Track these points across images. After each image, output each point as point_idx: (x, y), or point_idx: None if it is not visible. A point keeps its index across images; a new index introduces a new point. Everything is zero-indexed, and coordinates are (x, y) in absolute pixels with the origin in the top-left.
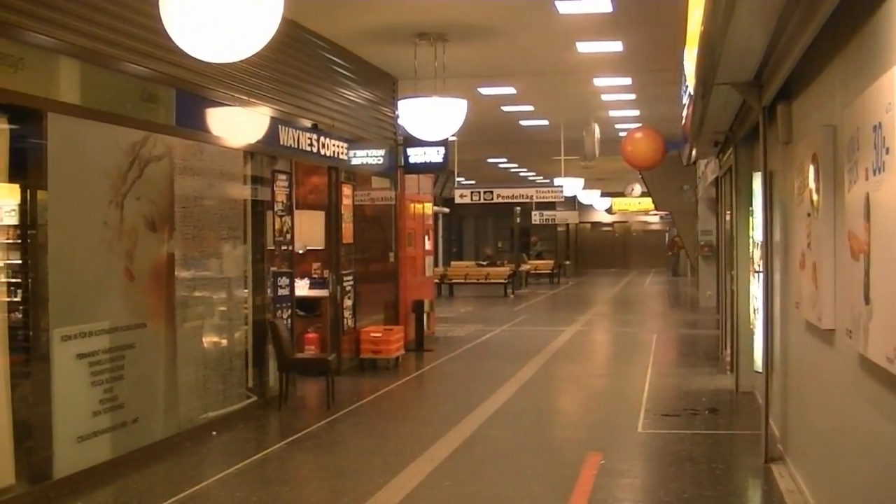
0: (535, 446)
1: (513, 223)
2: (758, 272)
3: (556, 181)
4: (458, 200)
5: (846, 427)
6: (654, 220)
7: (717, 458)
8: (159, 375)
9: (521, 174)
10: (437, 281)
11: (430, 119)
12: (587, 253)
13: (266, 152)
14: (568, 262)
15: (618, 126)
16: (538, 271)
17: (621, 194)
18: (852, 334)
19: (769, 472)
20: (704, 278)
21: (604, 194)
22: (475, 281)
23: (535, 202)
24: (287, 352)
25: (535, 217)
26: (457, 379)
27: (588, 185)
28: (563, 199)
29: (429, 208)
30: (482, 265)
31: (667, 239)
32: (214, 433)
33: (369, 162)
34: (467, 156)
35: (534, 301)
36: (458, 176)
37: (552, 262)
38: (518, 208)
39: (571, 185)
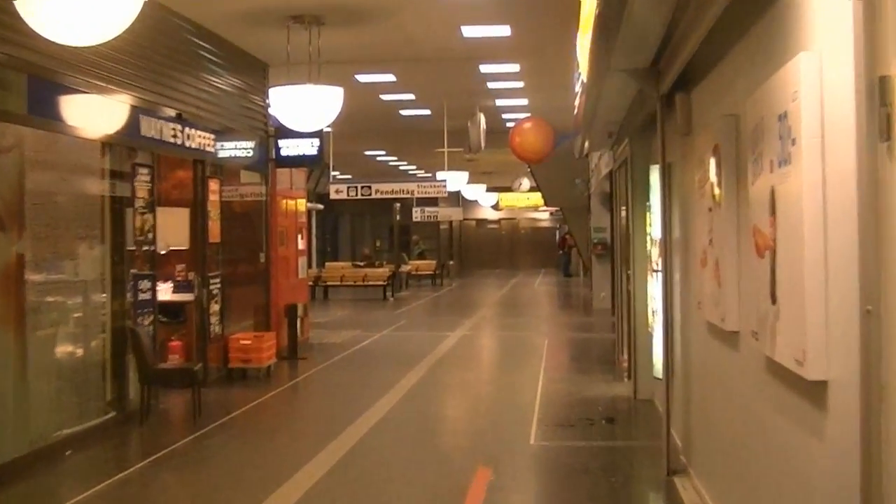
0: (421, 459)
1: (392, 221)
2: (656, 271)
3: (439, 175)
4: (333, 196)
5: (752, 434)
6: (543, 216)
7: (615, 470)
8: (7, 389)
9: (402, 168)
10: (311, 283)
11: (304, 109)
12: (472, 252)
13: (126, 144)
14: (452, 263)
15: (505, 116)
16: (420, 272)
17: (509, 189)
18: (758, 336)
19: (672, 484)
20: (598, 279)
21: (490, 189)
22: (352, 283)
23: (417, 198)
24: (149, 361)
25: (417, 214)
26: (335, 388)
27: (473, 180)
28: (446, 195)
29: (302, 205)
30: (359, 266)
31: (557, 237)
32: (69, 452)
33: (238, 155)
34: (343, 148)
35: (415, 304)
36: (334, 170)
37: (435, 262)
38: (398, 205)
39: (455, 180)
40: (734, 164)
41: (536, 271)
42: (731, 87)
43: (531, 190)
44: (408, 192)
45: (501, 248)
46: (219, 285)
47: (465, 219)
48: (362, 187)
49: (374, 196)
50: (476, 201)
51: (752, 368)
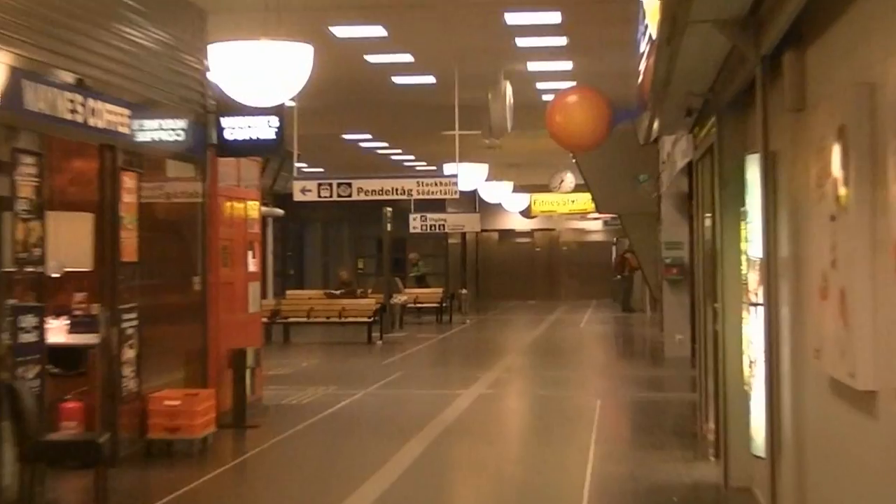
0: None
1: (381, 232)
2: (755, 305)
3: (448, 169)
4: (298, 197)
5: None
6: (594, 227)
7: None
8: None
9: (395, 159)
10: (266, 320)
11: (258, 74)
12: (494, 277)
13: (3, 121)
14: (465, 292)
15: (541, 86)
16: (420, 304)
17: (545, 189)
18: None
19: None
20: (672, 315)
21: (519, 189)
22: (324, 319)
23: (416, 201)
24: (32, 430)
25: (415, 223)
26: (298, 470)
27: (495, 175)
28: (457, 196)
29: (255, 209)
30: (334, 296)
31: (614, 255)
32: None
33: (164, 138)
34: (313, 130)
35: (414, 350)
36: (300, 161)
37: (441, 290)
38: (389, 210)
39: (470, 175)
40: (868, 154)
41: (584, 303)
42: (864, 43)
43: (577, 190)
44: (403, 192)
45: (535, 271)
46: (135, 323)
47: (483, 230)
48: (339, 185)
49: (355, 198)
50: (499, 205)
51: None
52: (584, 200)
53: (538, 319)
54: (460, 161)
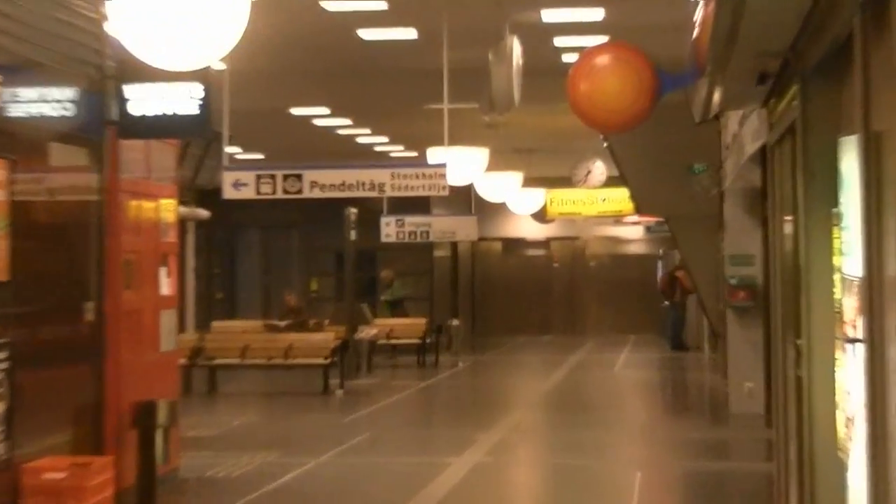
0: None
1: (342, 242)
2: (852, 342)
3: (433, 155)
4: (229, 194)
5: None
6: (632, 234)
7: None
8: None
9: (361, 141)
10: (185, 361)
11: (172, 27)
12: (496, 303)
13: None
14: (456, 323)
15: (560, 42)
16: (395, 340)
17: (567, 183)
18: None
19: None
20: (739, 354)
21: (530, 183)
22: (265, 361)
23: (390, 199)
24: None
25: (389, 229)
26: None
27: (498, 165)
28: (446, 193)
29: (171, 210)
30: (278, 329)
31: (660, 273)
32: None
33: (45, 113)
34: (251, 103)
35: (387, 402)
36: (232, 144)
37: (423, 321)
38: (353, 211)
39: (464, 165)
40: None
41: (619, 339)
42: None
43: (609, 184)
44: (373, 187)
45: (552, 296)
46: (4, 365)
47: (482, 239)
48: (286, 177)
49: (307, 195)
50: (504, 206)
51: None
52: (620, 199)
53: (556, 361)
54: (450, 145)
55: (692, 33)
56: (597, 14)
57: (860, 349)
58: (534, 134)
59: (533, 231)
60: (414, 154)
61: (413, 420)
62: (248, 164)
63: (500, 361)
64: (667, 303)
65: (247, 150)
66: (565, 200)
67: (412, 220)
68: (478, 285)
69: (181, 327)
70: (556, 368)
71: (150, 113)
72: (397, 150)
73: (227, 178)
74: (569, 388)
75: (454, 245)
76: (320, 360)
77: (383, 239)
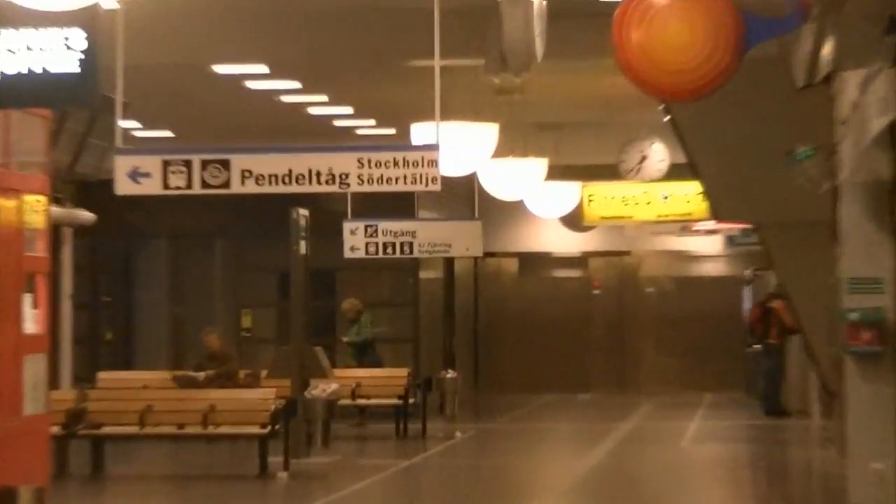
0: None
1: (288, 260)
2: None
3: (418, 134)
4: (125, 189)
5: None
6: (707, 247)
7: None
8: None
9: (316, 113)
10: (59, 429)
11: None
12: (510, 347)
13: None
14: (452, 375)
15: None
16: (364, 400)
17: (612, 174)
18: None
19: None
20: (864, 422)
21: (560, 174)
22: (175, 429)
23: (357, 196)
24: None
25: (356, 240)
26: None
27: (513, 147)
28: (437, 188)
29: (39, 210)
30: (195, 382)
31: (747, 303)
32: None
33: None
34: (156, 58)
35: (351, 491)
36: (127, 117)
37: (405, 372)
38: (303, 214)
39: (463, 147)
40: None
41: (688, 399)
42: None
43: (672, 176)
44: (332, 180)
45: (591, 335)
46: None
47: (490, 254)
48: (206, 164)
49: (237, 189)
50: (521, 206)
51: None
52: (688, 197)
53: (598, 432)
54: (444, 119)
55: None
56: None
57: None
58: (564, 104)
59: (563, 243)
60: (391, 132)
61: None
62: (151, 145)
63: (516, 432)
64: (758, 346)
65: (150, 125)
66: (610, 199)
67: (389, 227)
68: (483, 321)
69: (54, 381)
70: (598, 443)
71: (9, 71)
72: (367, 127)
73: (122, 164)
74: (615, 473)
75: (449, 263)
76: (255, 430)
77: (347, 254)
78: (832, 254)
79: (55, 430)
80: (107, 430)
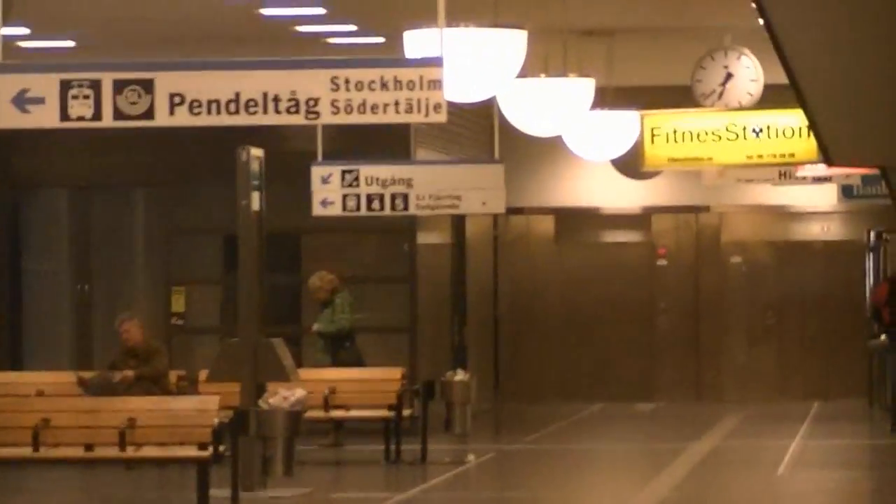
0: None
1: (235, 218)
2: None
3: (413, 41)
4: (7, 122)
5: None
6: (815, 200)
7: None
8: None
9: (271, 14)
10: None
11: None
12: (544, 337)
13: None
14: (462, 377)
15: None
16: (342, 412)
17: (683, 98)
18: None
19: None
20: None
21: (611, 100)
22: (81, 452)
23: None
24: None
25: (329, 191)
26: None
27: (546, 61)
28: (440, 118)
29: None
30: (109, 387)
31: (871, 278)
32: None
33: None
34: None
35: None
36: (11, 22)
37: (397, 373)
38: (255, 156)
39: (479, 61)
40: None
41: (790, 407)
42: None
43: (768, 102)
44: (295, 107)
45: (656, 323)
46: None
47: (514, 209)
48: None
49: (163, 122)
50: (556, 144)
51: None
52: (790, 133)
53: (665, 454)
54: (449, 23)
55: None
56: None
57: None
58: (617, 1)
59: (617, 196)
60: (378, 40)
61: None
62: (45, 60)
63: (550, 455)
64: (885, 337)
65: (42, 31)
66: (681, 135)
67: (375, 174)
68: (506, 304)
69: None
70: (663, 470)
71: None
72: (344, 34)
73: (3, 86)
74: None
75: (459, 224)
76: (191, 452)
77: (317, 211)
78: None
79: None
80: None
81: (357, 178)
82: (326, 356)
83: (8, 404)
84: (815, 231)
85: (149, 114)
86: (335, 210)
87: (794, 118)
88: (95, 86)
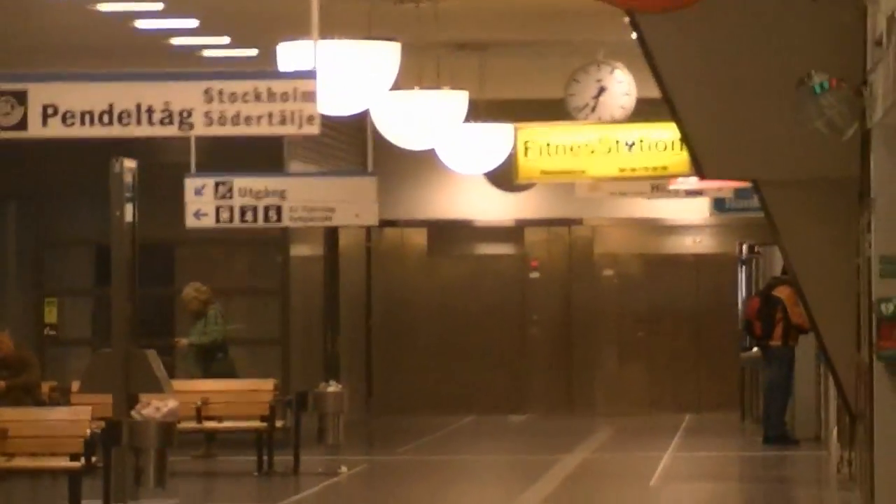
0: None
1: (108, 229)
2: None
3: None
4: None
5: None
6: (687, 213)
7: None
8: None
9: (145, 27)
10: None
11: None
12: (416, 348)
13: None
14: (334, 388)
15: None
16: (215, 423)
17: (556, 112)
18: None
19: None
20: None
21: (485, 113)
22: None
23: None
24: None
25: (203, 203)
26: None
27: (420, 74)
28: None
29: None
30: None
31: (742, 291)
32: None
33: None
34: None
35: None
36: None
37: (269, 385)
38: (129, 167)
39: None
40: None
41: (661, 419)
42: None
43: (641, 115)
44: (169, 119)
45: (528, 335)
46: None
47: (387, 222)
48: None
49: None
50: (430, 156)
51: None
52: (663, 145)
53: (536, 467)
54: (322, 36)
55: None
56: None
57: None
58: (491, 15)
59: (490, 209)
60: (251, 52)
61: None
62: None
63: (423, 467)
64: (756, 350)
65: None
66: (553, 148)
67: (248, 185)
68: (379, 316)
69: None
70: (534, 483)
71: None
72: (218, 46)
73: None
74: None
75: (332, 236)
76: (63, 462)
77: (191, 223)
78: (859, 224)
79: None
80: None
81: (231, 190)
82: (197, 368)
83: None
84: (687, 244)
85: (21, 124)
86: (208, 222)
87: (667, 132)
88: None
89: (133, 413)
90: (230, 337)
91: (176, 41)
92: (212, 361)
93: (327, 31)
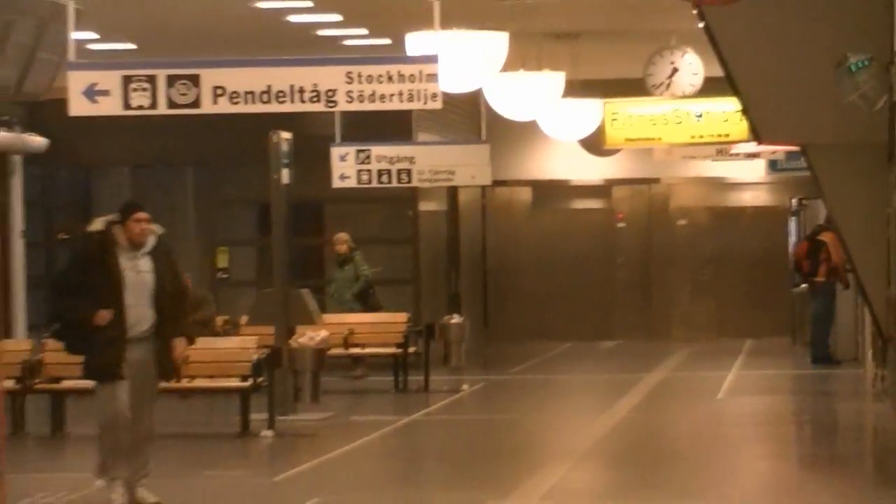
0: None
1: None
2: None
3: (414, 42)
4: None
5: None
6: (747, 173)
7: None
8: None
9: (297, 21)
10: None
11: None
12: (524, 286)
13: None
14: (457, 320)
15: None
16: (358, 349)
17: (637, 89)
18: None
19: None
20: None
21: (578, 89)
22: None
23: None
24: None
25: (346, 167)
26: None
27: (524, 60)
28: (437, 106)
29: None
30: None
31: (792, 237)
32: None
33: None
34: None
35: (342, 452)
36: (83, 27)
37: (403, 318)
38: (285, 138)
39: (468, 58)
40: None
41: (726, 345)
42: None
43: (707, 92)
44: (317, 97)
45: (616, 275)
46: None
47: (499, 182)
48: (173, 80)
49: (208, 109)
50: (534, 127)
51: None
52: (725, 116)
53: (622, 384)
54: (443, 27)
55: None
56: None
57: None
58: (582, 8)
59: (583, 170)
60: (384, 42)
61: (385, 482)
62: (110, 58)
63: (530, 385)
64: (804, 286)
65: (108, 36)
66: (636, 119)
67: (383, 153)
68: (493, 260)
69: (6, 330)
70: (622, 397)
71: None
72: (357, 37)
73: (76, 81)
74: (641, 430)
75: (453, 194)
76: (235, 383)
77: (336, 184)
78: (889, 180)
79: (9, 384)
80: (66, 384)
81: (369, 157)
82: (358, 304)
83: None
84: (747, 199)
85: (196, 103)
86: (351, 183)
87: (729, 105)
88: (152, 80)
89: (291, 341)
90: (372, 279)
91: (322, 32)
92: (367, 297)
93: (447, 24)
